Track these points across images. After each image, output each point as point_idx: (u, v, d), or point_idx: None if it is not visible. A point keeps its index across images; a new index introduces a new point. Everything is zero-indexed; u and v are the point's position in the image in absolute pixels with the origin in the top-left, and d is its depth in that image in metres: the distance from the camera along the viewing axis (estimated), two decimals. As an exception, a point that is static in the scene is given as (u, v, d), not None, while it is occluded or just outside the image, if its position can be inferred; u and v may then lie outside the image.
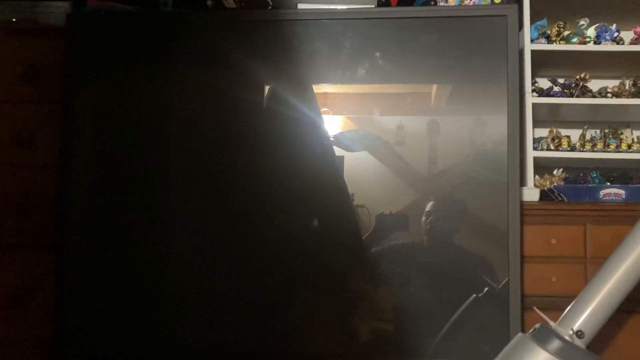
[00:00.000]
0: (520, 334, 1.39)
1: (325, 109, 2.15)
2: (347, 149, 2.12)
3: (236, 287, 2.03)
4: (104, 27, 2.16)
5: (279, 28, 2.10)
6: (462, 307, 1.95)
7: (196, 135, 2.13)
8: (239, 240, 2.06)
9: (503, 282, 1.93)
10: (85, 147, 2.12)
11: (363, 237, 2.05)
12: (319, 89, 2.14)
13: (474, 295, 1.96)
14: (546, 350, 1.29)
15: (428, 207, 2.04)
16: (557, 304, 1.85)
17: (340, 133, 2.15)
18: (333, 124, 2.16)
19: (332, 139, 2.11)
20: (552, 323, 1.37)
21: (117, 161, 2.12)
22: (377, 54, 2.07)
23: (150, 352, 2.01)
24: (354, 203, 2.06)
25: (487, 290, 1.95)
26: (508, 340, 1.77)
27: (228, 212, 2.07)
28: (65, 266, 2.05)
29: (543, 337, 1.35)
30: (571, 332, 1.30)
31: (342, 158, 2.09)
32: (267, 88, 2.14)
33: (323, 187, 2.08)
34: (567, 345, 1.32)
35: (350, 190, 2.06)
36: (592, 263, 1.93)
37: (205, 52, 2.13)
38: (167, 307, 2.03)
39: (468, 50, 2.02)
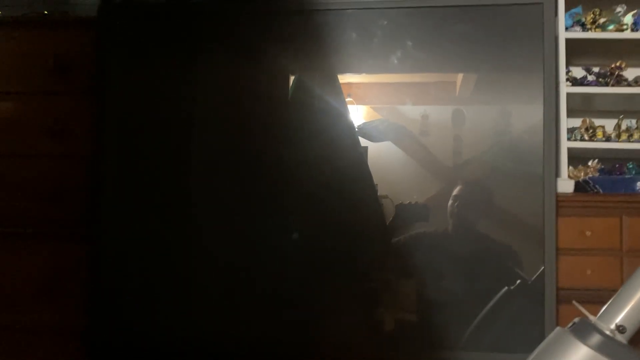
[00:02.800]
0: (559, 328, 1.36)
1: (349, 99, 2.14)
2: (370, 139, 2.11)
3: (262, 277, 2.04)
4: (134, 18, 2.18)
5: (306, 17, 2.09)
6: (494, 300, 1.93)
7: (223, 126, 2.13)
8: (265, 230, 2.06)
9: (536, 275, 1.91)
10: (117, 138, 2.14)
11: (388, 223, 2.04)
12: (343, 78, 2.13)
13: (506, 287, 1.94)
14: (587, 345, 1.26)
15: (455, 192, 2.02)
16: (592, 297, 1.83)
17: (364, 123, 2.13)
18: (357, 114, 2.15)
19: (356, 129, 2.10)
20: (592, 317, 1.34)
21: (148, 152, 2.14)
22: (409, 44, 2.04)
23: (181, 341, 2.02)
24: (378, 194, 2.05)
25: (519, 283, 1.93)
26: (543, 333, 1.76)
27: (254, 202, 2.07)
28: (98, 255, 2.08)
29: (583, 331, 1.32)
30: (613, 327, 1.27)
31: (365, 148, 2.08)
32: (292, 78, 2.14)
33: (347, 177, 2.07)
34: (609, 340, 1.28)
35: (374, 180, 2.05)
36: (628, 255, 1.90)
37: (232, 42, 2.13)
38: (196, 297, 2.05)
39: (501, 38, 1.99)
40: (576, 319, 1.40)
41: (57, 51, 2.16)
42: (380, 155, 2.10)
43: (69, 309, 2.10)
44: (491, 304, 1.91)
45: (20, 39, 2.17)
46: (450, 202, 2.02)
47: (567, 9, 2.12)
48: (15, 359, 2.10)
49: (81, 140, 2.14)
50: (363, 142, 2.09)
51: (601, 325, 1.34)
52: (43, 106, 2.17)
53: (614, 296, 1.38)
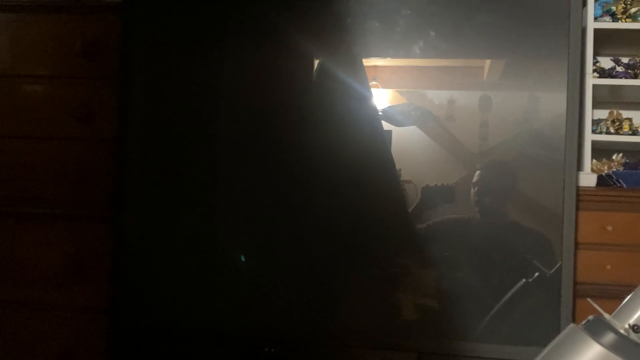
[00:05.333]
0: (572, 325, 1.35)
1: (374, 82, 2.13)
2: (395, 123, 2.10)
3: (283, 262, 2.06)
4: (160, 3, 2.19)
5: (331, 4, 2.08)
6: (512, 292, 1.93)
7: (247, 110, 2.15)
8: (287, 215, 2.09)
9: (555, 268, 1.90)
10: (142, 122, 2.18)
11: (411, 208, 2.04)
12: (368, 61, 2.12)
13: (524, 280, 1.93)
14: (600, 343, 1.24)
15: (475, 178, 2.02)
16: (611, 292, 1.82)
17: (389, 107, 2.13)
18: (382, 98, 2.14)
19: (380, 113, 2.10)
20: (606, 315, 1.32)
21: (172, 136, 2.17)
22: (435, 31, 2.03)
23: (203, 322, 2.07)
24: (401, 178, 2.05)
25: (537, 276, 1.93)
26: (558, 327, 1.75)
27: (276, 186, 2.09)
28: (121, 237, 2.13)
29: (597, 329, 1.30)
30: (627, 326, 1.25)
31: (390, 133, 2.07)
32: (316, 62, 2.14)
33: (370, 161, 2.07)
34: (622, 338, 1.26)
35: (398, 165, 2.05)
36: (650, 252, 1.88)
37: (257, 27, 2.14)
38: (218, 281, 2.09)
39: (527, 28, 1.95)
40: (591, 317, 1.39)
41: (84, 36, 2.19)
42: (405, 139, 2.09)
43: (96, 289, 2.16)
44: (508, 296, 1.91)
45: (49, 23, 2.21)
46: (472, 190, 2.01)
47: (597, -2, 2.08)
48: (43, 336, 2.17)
49: (106, 124, 2.17)
50: (388, 126, 2.08)
51: (616, 324, 1.32)
52: (70, 90, 2.21)
53: (631, 295, 1.37)
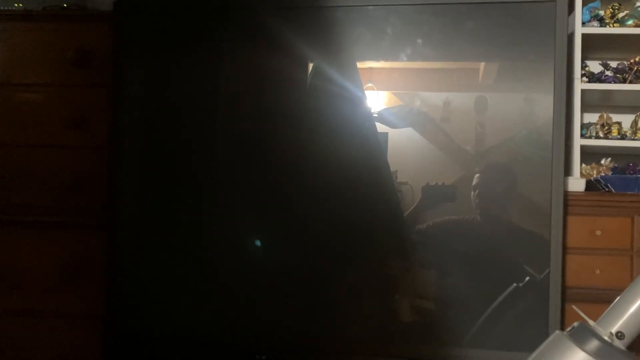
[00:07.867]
0: (557, 332, 1.37)
1: (370, 85, 2.13)
2: (391, 125, 2.10)
3: (276, 269, 2.07)
4: (152, 11, 2.20)
5: (326, 12, 2.08)
6: (502, 297, 1.94)
7: (242, 116, 2.16)
8: (280, 221, 2.09)
9: (545, 273, 1.91)
10: (134, 129, 2.19)
11: (409, 210, 2.05)
12: (364, 64, 2.13)
13: (515, 284, 1.94)
14: (584, 350, 1.27)
15: (475, 181, 2.02)
16: (600, 297, 1.82)
17: (385, 109, 2.13)
18: (378, 100, 2.15)
19: (376, 115, 2.10)
20: (591, 322, 1.34)
21: (165, 143, 2.18)
22: (419, 41, 2.04)
23: (197, 328, 2.07)
24: (398, 180, 2.06)
25: (528, 280, 1.93)
26: (547, 332, 1.76)
27: (271, 190, 2.10)
28: (115, 244, 2.14)
29: (581, 336, 1.33)
30: (611, 333, 1.27)
31: (386, 135, 2.08)
32: (310, 66, 2.14)
33: (365, 164, 2.08)
34: (606, 345, 1.29)
35: (395, 167, 2.06)
36: (638, 256, 1.89)
37: (251, 33, 2.14)
38: (213, 286, 2.09)
39: (514, 35, 1.96)
40: (576, 323, 1.40)
41: (76, 44, 2.20)
42: (401, 141, 2.10)
43: (90, 295, 2.16)
44: (498, 301, 1.92)
45: (41, 32, 2.21)
46: (471, 193, 2.02)
47: (584, 4, 2.09)
48: (38, 343, 2.18)
49: (100, 131, 2.18)
50: (384, 128, 2.09)
51: (600, 331, 1.33)
52: (63, 98, 2.22)
53: (614, 302, 1.38)
